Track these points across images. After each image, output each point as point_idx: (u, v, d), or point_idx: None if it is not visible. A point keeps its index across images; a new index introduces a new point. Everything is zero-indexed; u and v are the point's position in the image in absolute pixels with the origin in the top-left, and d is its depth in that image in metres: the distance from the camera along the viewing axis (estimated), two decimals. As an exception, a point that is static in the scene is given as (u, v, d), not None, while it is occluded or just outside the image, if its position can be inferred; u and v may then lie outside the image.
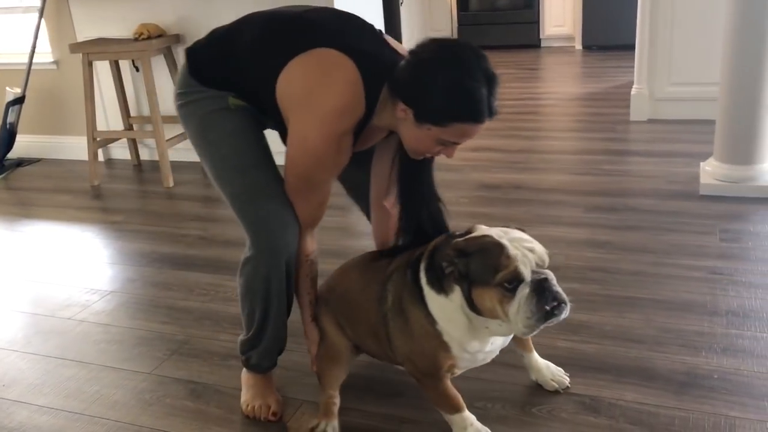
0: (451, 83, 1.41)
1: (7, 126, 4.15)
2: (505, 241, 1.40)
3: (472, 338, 1.50)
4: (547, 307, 1.37)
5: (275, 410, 1.79)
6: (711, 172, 3.02)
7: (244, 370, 1.86)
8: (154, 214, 3.40)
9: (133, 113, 4.14)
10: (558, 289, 1.40)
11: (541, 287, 1.38)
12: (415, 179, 1.68)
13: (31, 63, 4.08)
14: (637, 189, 3.11)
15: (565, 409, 1.73)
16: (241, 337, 1.82)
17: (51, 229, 3.30)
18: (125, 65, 4.02)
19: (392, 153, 1.70)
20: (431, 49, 1.47)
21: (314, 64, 1.53)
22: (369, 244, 1.99)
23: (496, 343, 1.57)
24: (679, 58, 3.97)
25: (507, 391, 1.81)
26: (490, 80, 1.44)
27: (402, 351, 1.59)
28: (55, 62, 4.25)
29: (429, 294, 1.51)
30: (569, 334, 2.01)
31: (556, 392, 1.78)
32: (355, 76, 1.51)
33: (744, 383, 1.77)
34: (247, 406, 1.81)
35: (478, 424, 1.61)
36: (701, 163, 3.14)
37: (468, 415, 1.61)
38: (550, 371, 1.80)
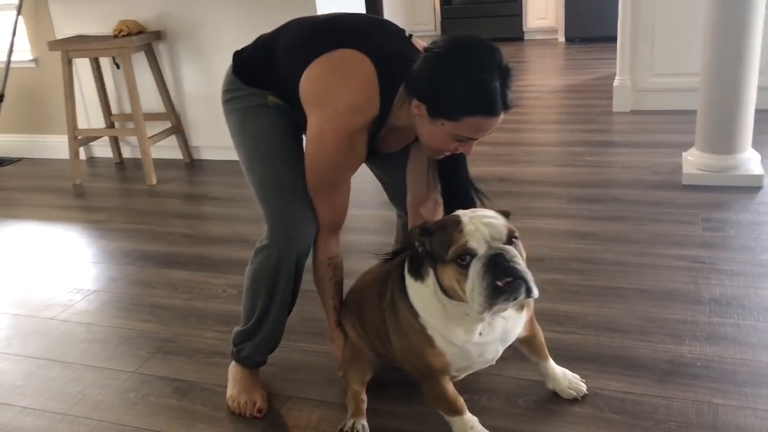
0: (462, 76, 1.41)
1: (-13, 125, 4.11)
2: (463, 217, 1.38)
3: (453, 326, 1.45)
4: (499, 283, 1.30)
5: (260, 406, 1.78)
6: (693, 161, 3.04)
7: (233, 363, 1.86)
8: (137, 212, 3.37)
9: (114, 111, 4.11)
10: (515, 264, 1.32)
11: (493, 262, 1.31)
12: (452, 178, 1.70)
13: (9, 61, 4.03)
14: (620, 180, 3.12)
15: (550, 400, 1.73)
16: (237, 328, 1.83)
17: (33, 228, 3.27)
18: (105, 62, 3.98)
19: (425, 155, 1.71)
20: (443, 44, 1.47)
21: (331, 63, 1.57)
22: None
23: (489, 336, 1.48)
24: (661, 50, 3.99)
25: (492, 382, 1.81)
26: (504, 73, 1.43)
27: (397, 349, 1.57)
28: (35, 60, 4.19)
29: (409, 283, 1.50)
30: (553, 324, 2.02)
31: (574, 400, 1.72)
32: (370, 74, 1.54)
33: (727, 370, 1.78)
34: (233, 401, 1.81)
35: (479, 428, 1.57)
36: (683, 153, 3.15)
37: (469, 418, 1.58)
38: (567, 379, 1.73)
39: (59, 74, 3.81)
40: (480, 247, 1.33)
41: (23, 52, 4.18)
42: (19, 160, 4.45)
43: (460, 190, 1.72)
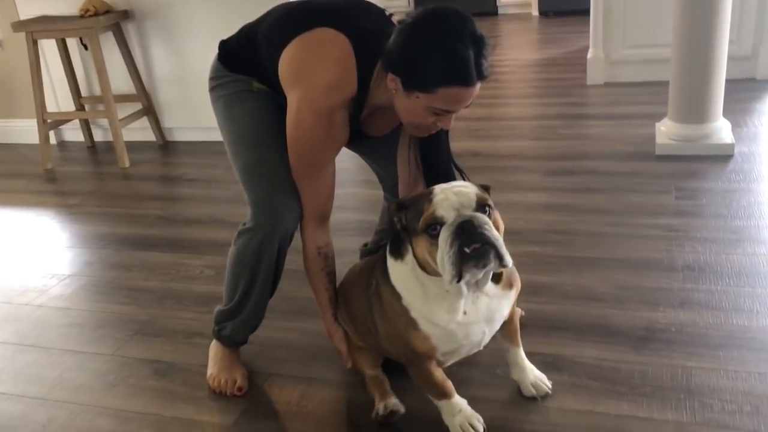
0: (434, 47, 1.38)
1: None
2: (435, 189, 1.37)
3: (435, 306, 1.42)
4: (467, 250, 1.27)
5: (241, 385, 1.78)
6: (666, 132, 3.07)
7: (214, 341, 1.86)
8: (110, 196, 3.33)
9: (84, 93, 4.03)
10: (484, 231, 1.29)
11: (460, 229, 1.28)
12: (432, 159, 1.69)
13: (-27, 44, 3.94)
14: (595, 152, 3.15)
15: (529, 369, 1.75)
16: (218, 307, 1.82)
17: (4, 215, 3.21)
18: (73, 43, 3.89)
19: (408, 139, 1.70)
20: (415, 15, 1.45)
21: (307, 42, 1.57)
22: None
23: (473, 315, 1.44)
24: (634, 21, 4.00)
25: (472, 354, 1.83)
26: (478, 42, 1.39)
27: (383, 336, 1.54)
28: (-1, 42, 4.10)
29: (390, 264, 1.49)
30: (530, 295, 2.04)
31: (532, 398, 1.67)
32: (345, 52, 1.52)
33: (700, 335, 1.82)
34: (213, 380, 1.81)
35: (468, 410, 1.57)
36: (656, 124, 3.18)
37: (457, 401, 1.56)
38: (534, 375, 1.68)
39: (25, 56, 3.72)
40: (448, 215, 1.31)
41: (-13, 35, 4.08)
42: (-13, 145, 4.36)
43: (442, 171, 1.70)
